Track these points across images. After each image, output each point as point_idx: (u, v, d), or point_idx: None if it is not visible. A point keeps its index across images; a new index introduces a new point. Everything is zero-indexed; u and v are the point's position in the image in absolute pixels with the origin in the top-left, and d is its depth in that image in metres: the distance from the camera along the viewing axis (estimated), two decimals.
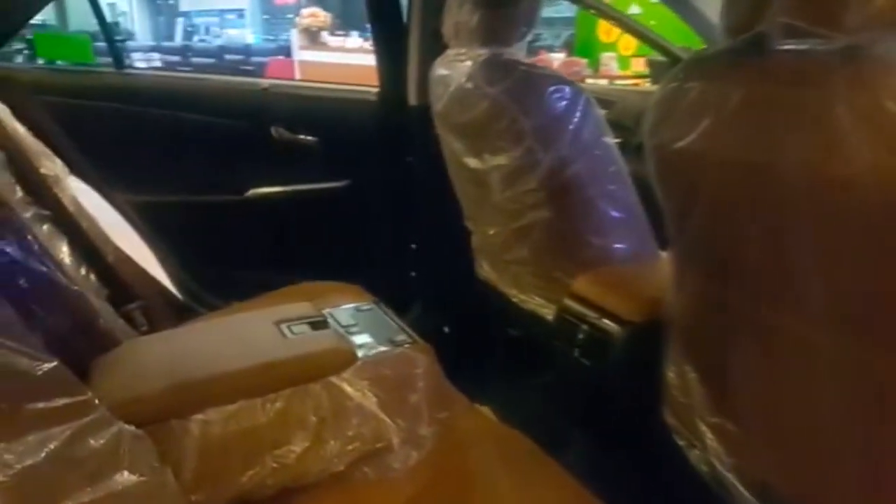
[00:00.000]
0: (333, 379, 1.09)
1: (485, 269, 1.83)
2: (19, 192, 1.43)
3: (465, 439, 1.17)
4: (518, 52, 1.58)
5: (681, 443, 1.13)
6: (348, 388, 1.09)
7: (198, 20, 16.77)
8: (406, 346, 1.18)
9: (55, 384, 0.83)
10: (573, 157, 1.49)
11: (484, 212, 1.74)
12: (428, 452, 1.11)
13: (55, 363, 0.83)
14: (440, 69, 1.67)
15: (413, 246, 2.13)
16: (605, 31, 6.51)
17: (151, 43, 13.41)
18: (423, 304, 2.12)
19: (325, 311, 1.28)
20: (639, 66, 5.38)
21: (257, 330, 1.18)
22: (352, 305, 1.32)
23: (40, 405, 0.80)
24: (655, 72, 3.02)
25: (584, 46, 6.88)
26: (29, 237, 1.14)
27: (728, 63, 0.91)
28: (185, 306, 1.88)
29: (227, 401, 1.03)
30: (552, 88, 1.45)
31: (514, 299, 1.73)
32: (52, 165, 1.58)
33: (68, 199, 1.58)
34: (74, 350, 1.14)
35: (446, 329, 2.09)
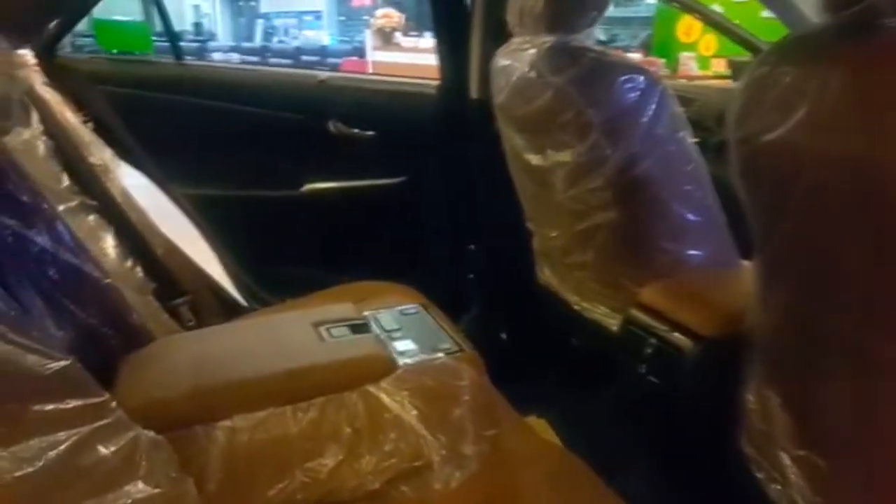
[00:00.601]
0: (371, 388, 1.01)
1: (546, 274, 1.72)
2: (66, 181, 1.40)
3: (514, 460, 1.06)
4: (587, 38, 1.46)
5: (759, 476, 1.00)
6: (386, 399, 1.00)
7: (277, 22, 17.14)
8: (452, 354, 1.08)
9: (66, 384, 0.77)
10: (645, 153, 1.37)
11: (546, 212, 1.63)
12: (472, 474, 1.01)
13: (67, 361, 0.77)
14: (502, 59, 1.57)
15: (471, 247, 2.03)
16: (685, 31, 6.28)
17: (232, 43, 13.76)
18: (479, 308, 2.02)
19: (368, 314, 1.20)
20: (719, 66, 5.16)
21: (294, 332, 1.10)
22: (396, 308, 1.24)
23: (48, 407, 0.74)
24: (737, 73, 2.89)
25: (661, 46, 6.65)
26: (60, 227, 1.09)
27: (828, 44, 0.78)
28: (236, 303, 1.84)
29: (256, 407, 0.96)
30: (624, 77, 1.32)
31: (577, 307, 1.61)
32: (101, 155, 1.56)
33: (117, 190, 1.55)
34: (104, 346, 1.09)
35: (503, 335, 1.98)
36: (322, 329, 1.11)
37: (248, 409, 0.96)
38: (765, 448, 0.99)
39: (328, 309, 1.19)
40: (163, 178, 1.93)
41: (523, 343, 1.93)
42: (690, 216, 1.40)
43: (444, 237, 2.07)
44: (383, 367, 1.02)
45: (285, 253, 2.07)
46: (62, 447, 0.71)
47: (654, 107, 1.33)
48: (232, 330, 1.20)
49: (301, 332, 1.10)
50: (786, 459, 0.94)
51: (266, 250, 2.04)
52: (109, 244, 1.44)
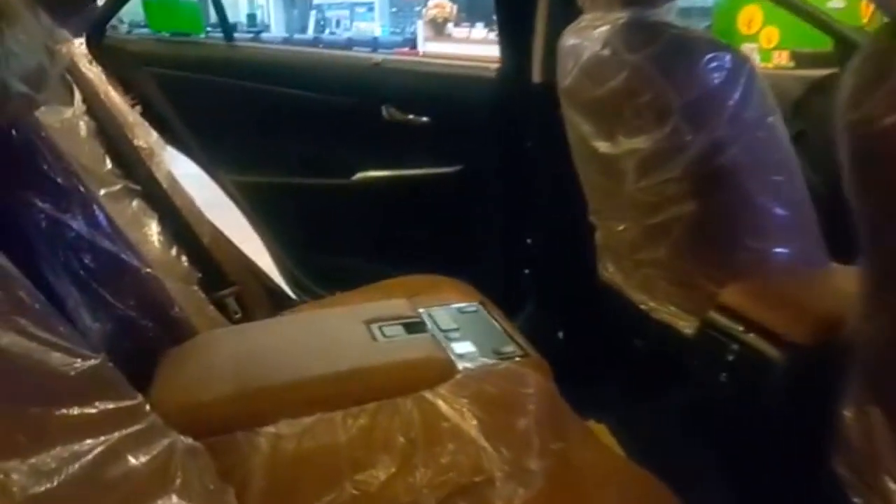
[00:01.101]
0: (427, 394, 0.91)
1: (609, 270, 1.59)
2: (108, 164, 1.35)
3: (584, 478, 0.96)
4: (667, 13, 1.33)
5: (856, 501, 0.88)
6: (444, 407, 0.91)
7: (329, 13, 17.14)
8: (516, 358, 0.98)
9: (95, 385, 0.70)
10: (730, 139, 1.23)
11: (613, 204, 1.50)
12: (537, 492, 0.91)
13: (96, 360, 0.70)
14: (571, 38, 1.45)
15: (528, 240, 1.92)
16: (746, 21, 6.05)
17: (285, 35, 13.81)
18: (535, 306, 1.91)
19: (423, 311, 1.10)
20: (781, 59, 4.95)
21: (344, 330, 1.02)
22: (454, 305, 1.14)
23: (74, 411, 0.66)
24: (800, 65, 2.77)
25: (722, 37, 6.41)
26: (98, 212, 1.02)
27: None
28: (284, 295, 1.77)
29: (303, 412, 0.87)
30: (709, 56, 1.19)
31: (643, 307, 1.49)
32: (147, 138, 1.50)
33: (162, 175, 1.49)
34: (142, 339, 1.02)
35: (560, 335, 1.86)
36: (374, 327, 1.02)
37: (295, 414, 0.87)
38: (865, 471, 0.87)
39: (381, 305, 1.10)
40: (210, 163, 1.87)
41: (582, 343, 1.81)
42: (778, 210, 1.26)
43: (500, 229, 1.96)
44: (441, 371, 0.93)
45: (335, 243, 1.99)
46: (87, 458, 0.63)
47: (741, 88, 1.20)
48: (279, 326, 1.11)
49: (352, 330, 1.01)
50: (891, 485, 0.82)
51: (316, 240, 1.97)
52: (153, 231, 1.39)
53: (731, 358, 1.18)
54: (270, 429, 0.86)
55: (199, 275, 1.43)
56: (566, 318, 1.86)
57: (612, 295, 1.59)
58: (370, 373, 0.92)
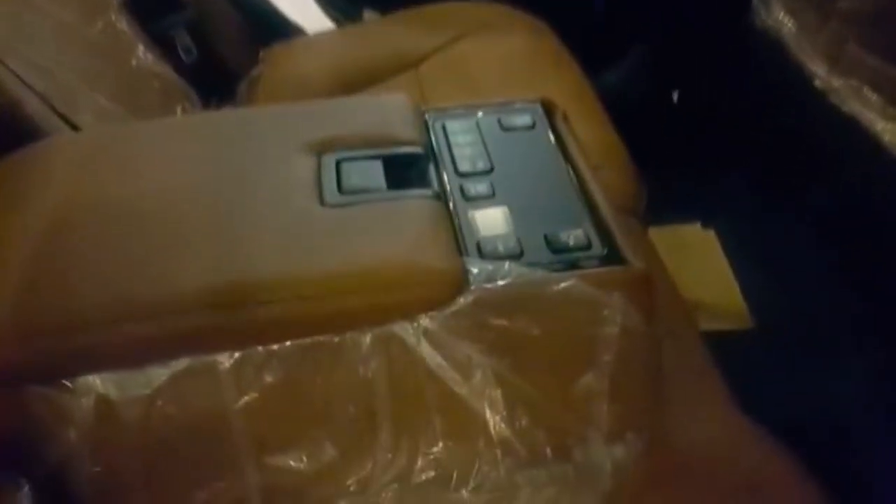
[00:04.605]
0: (405, 328, 0.46)
1: (774, 16, 1.05)
2: None
3: (692, 472, 0.53)
4: None
5: None
6: (431, 354, 0.46)
7: None
8: (591, 261, 0.49)
9: None
10: None
11: None
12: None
13: None
14: None
15: None
16: None
17: None
18: (644, 51, 1.33)
19: (432, 119, 0.59)
20: None
21: (274, 169, 0.53)
22: (490, 110, 0.60)
23: None
24: None
25: None
26: None
27: None
28: (276, 18, 1.24)
29: (163, 353, 0.45)
30: None
31: (819, 83, 0.96)
32: None
33: None
34: None
35: (675, 96, 1.31)
36: (328, 163, 0.52)
37: (143, 356, 0.45)
38: None
39: (360, 104, 0.61)
40: None
41: (704, 114, 1.28)
42: None
43: None
44: (437, 283, 0.46)
45: None
46: None
47: None
48: (169, 145, 0.59)
49: (287, 170, 0.52)
50: None
51: None
52: None
53: None
54: (94, 381, 0.45)
55: None
56: (687, 73, 1.29)
57: (770, 52, 1.06)
58: (295, 283, 0.46)
